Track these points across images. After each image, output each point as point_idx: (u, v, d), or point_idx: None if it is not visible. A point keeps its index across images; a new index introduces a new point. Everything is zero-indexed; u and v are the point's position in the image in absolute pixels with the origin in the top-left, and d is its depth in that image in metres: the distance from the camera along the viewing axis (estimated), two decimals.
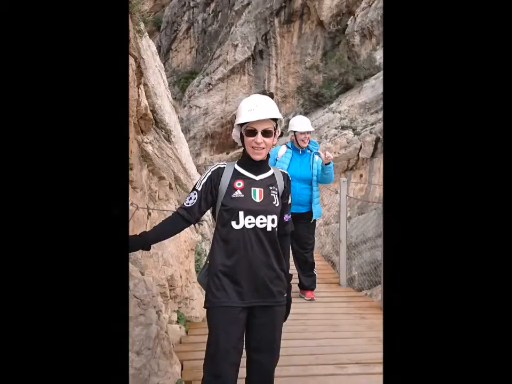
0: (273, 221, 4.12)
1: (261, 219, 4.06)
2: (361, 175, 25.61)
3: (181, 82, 39.22)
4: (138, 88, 6.69)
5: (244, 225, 4.03)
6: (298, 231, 7.60)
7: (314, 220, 8.96)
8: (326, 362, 6.47)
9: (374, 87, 27.59)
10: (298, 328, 7.73)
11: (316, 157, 8.67)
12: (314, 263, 9.32)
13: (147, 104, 7.55)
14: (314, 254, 9.59)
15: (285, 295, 4.27)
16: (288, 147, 8.71)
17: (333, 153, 23.05)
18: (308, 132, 8.51)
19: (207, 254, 4.66)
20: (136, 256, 5.70)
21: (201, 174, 5.58)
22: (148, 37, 10.40)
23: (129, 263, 4.41)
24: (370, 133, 25.33)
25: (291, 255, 7.70)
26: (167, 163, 8.72)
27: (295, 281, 8.24)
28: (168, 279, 7.11)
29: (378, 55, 29.11)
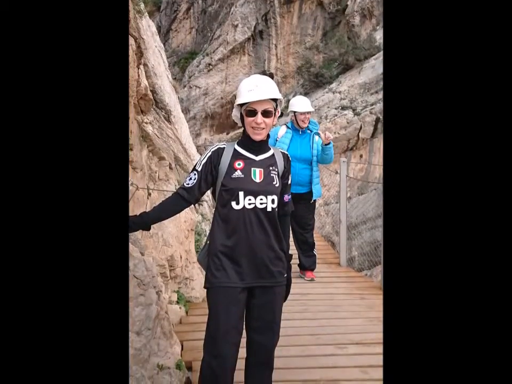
0: (273, 201, 4.10)
1: (261, 199, 4.04)
2: (361, 156, 25.53)
3: (181, 63, 38.97)
4: (138, 68, 6.66)
5: (244, 205, 4.02)
6: (298, 211, 7.55)
7: (314, 200, 8.92)
8: (326, 342, 6.47)
9: (374, 68, 27.46)
10: (298, 308, 7.73)
11: (316, 137, 8.62)
12: (314, 243, 9.31)
13: (147, 84, 7.52)
14: (314, 235, 9.60)
15: (285, 275, 4.27)
16: (288, 127, 8.66)
17: (333, 133, 22.95)
18: (308, 112, 8.46)
19: (207, 234, 4.63)
20: (136, 236, 5.68)
21: (201, 155, 5.49)
22: (147, 17, 10.36)
23: (129, 243, 4.37)
24: (370, 113, 25.23)
25: (291, 235, 7.59)
26: (167, 143, 8.70)
27: (295, 261, 8.23)
28: (168, 259, 7.11)
29: (378, 36, 28.96)
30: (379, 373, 4.55)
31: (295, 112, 8.50)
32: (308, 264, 9.24)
